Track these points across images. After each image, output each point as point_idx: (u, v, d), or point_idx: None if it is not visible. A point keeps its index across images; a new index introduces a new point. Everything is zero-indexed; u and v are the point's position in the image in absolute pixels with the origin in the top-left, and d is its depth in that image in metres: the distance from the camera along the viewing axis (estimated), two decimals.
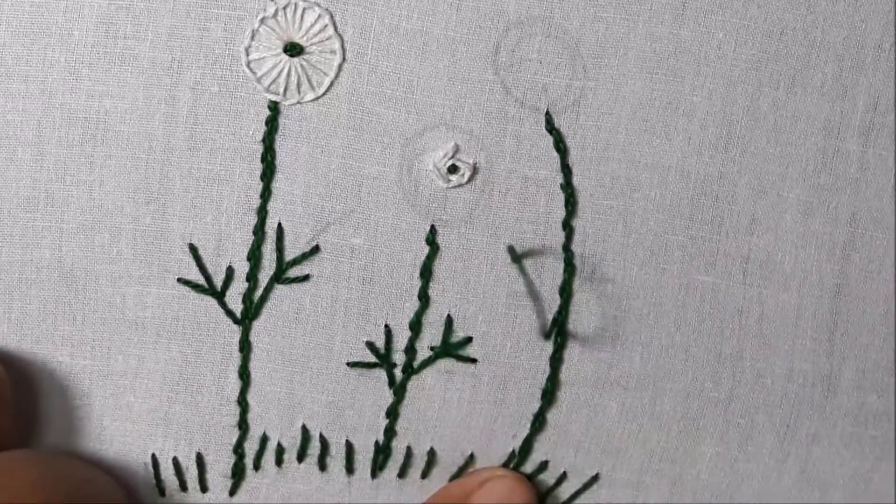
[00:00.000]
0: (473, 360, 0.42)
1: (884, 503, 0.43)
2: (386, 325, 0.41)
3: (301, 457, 0.43)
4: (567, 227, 0.41)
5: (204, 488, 0.43)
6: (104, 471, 0.42)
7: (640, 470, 0.43)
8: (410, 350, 0.42)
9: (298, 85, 0.40)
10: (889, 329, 0.42)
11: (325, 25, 0.39)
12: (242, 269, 0.41)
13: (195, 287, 0.41)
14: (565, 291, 0.41)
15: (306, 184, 0.40)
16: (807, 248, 0.41)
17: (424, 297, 0.41)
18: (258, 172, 0.40)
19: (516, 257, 0.40)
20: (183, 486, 0.43)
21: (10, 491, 0.36)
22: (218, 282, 0.41)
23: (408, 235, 0.41)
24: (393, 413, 0.42)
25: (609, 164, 0.40)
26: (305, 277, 0.41)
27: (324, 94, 0.40)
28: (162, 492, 0.43)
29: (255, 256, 0.41)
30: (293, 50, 0.39)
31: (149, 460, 0.42)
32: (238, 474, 0.43)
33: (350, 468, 0.43)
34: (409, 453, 0.43)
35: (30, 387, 0.41)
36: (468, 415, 0.42)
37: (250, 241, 0.41)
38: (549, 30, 0.39)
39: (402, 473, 0.43)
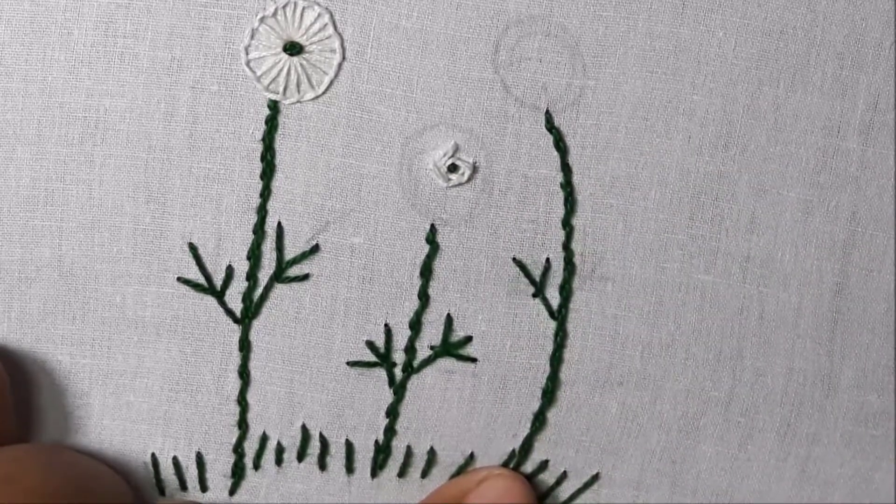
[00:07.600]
0: (473, 360, 0.42)
1: (884, 503, 0.43)
2: (386, 325, 0.41)
3: (301, 456, 0.43)
4: (567, 225, 0.41)
5: (204, 488, 0.43)
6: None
7: (640, 469, 0.43)
8: (410, 349, 0.42)
9: (298, 84, 0.40)
10: (889, 328, 0.42)
11: (325, 24, 0.39)
12: (242, 268, 0.41)
13: (195, 286, 0.41)
14: (565, 290, 0.41)
15: (306, 183, 0.40)
16: (807, 247, 0.41)
17: (424, 297, 0.41)
18: (258, 171, 0.40)
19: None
20: (183, 486, 0.43)
21: (19, 482, 0.36)
22: (218, 281, 0.41)
23: (408, 234, 0.41)
24: (393, 412, 0.42)
25: (609, 163, 0.40)
26: (305, 276, 0.41)
27: (323, 92, 0.40)
28: (162, 491, 0.43)
29: (254, 255, 0.41)
30: (293, 49, 0.39)
31: (148, 459, 0.42)
32: (238, 474, 0.43)
33: (350, 468, 0.43)
34: (409, 453, 0.43)
35: (29, 386, 0.41)
36: (468, 414, 0.42)
37: (250, 240, 0.41)
38: (548, 28, 0.39)
39: (402, 473, 0.43)
